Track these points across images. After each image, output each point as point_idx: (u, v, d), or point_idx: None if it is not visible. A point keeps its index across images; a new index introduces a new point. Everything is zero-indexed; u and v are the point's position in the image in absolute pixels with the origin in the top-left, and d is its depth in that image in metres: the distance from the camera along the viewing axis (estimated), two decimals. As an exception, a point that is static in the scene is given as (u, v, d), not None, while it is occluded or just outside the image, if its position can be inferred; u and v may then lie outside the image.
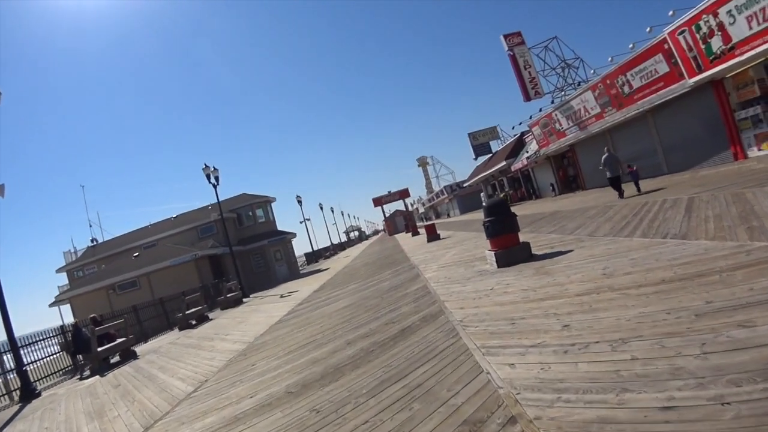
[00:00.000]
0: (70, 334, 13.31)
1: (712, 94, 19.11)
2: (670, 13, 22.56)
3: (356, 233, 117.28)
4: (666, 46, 20.69)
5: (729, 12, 16.30)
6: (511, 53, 32.47)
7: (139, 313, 18.37)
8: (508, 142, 50.12)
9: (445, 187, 78.97)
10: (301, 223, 54.18)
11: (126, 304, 22.38)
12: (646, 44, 22.09)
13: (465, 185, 65.17)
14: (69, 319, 29.11)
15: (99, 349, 12.42)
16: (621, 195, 16.38)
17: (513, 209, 10.32)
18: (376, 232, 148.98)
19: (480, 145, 56.96)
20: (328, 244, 67.14)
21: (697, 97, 19.92)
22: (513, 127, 41.59)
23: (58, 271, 37.31)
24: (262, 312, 15.20)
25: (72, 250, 40.29)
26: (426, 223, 46.32)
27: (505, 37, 32.52)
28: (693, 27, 18.26)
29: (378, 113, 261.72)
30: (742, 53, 16.46)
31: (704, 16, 17.40)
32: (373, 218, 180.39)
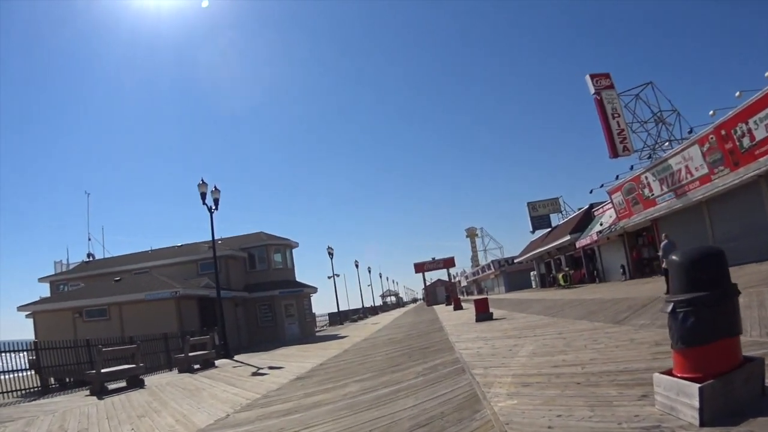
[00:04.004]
0: None
1: None
2: (737, 94, 18.28)
3: (393, 298, 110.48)
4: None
5: None
6: (598, 97, 26.72)
7: (43, 355, 13.80)
8: (573, 215, 43.99)
9: (492, 261, 72.47)
10: (329, 278, 48.02)
11: (91, 334, 17.92)
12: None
13: (516, 261, 58.70)
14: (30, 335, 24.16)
15: None
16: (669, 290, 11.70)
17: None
18: (414, 300, 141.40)
19: (539, 217, 50.86)
20: (360, 305, 60.89)
21: None
22: (591, 191, 35.66)
23: (41, 280, 32.67)
24: (192, 401, 9.00)
25: (64, 262, 35.98)
26: (477, 297, 40.00)
27: (592, 77, 27.04)
28: None
29: (430, 175, 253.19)
30: None
31: None
32: (413, 285, 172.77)
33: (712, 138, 20.21)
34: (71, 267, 35.09)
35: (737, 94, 19.45)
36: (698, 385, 3.45)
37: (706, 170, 20.96)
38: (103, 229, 59.43)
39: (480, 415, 4.74)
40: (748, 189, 18.94)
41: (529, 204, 51.34)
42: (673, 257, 3.97)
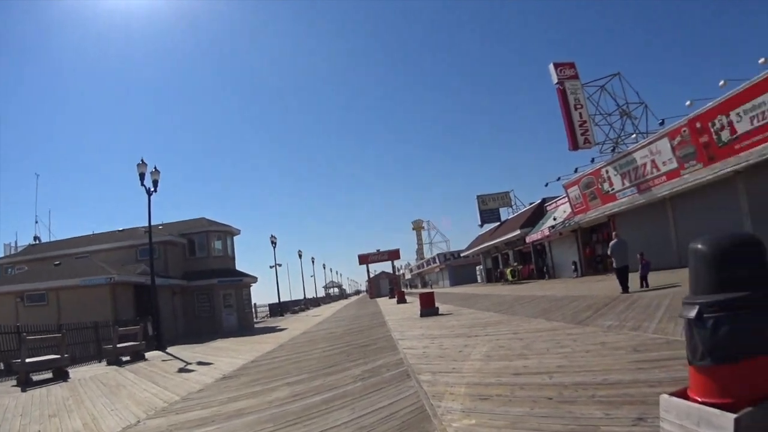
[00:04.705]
0: None
1: None
2: (761, 60, 17.13)
3: (336, 290, 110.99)
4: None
5: None
6: (561, 87, 26.28)
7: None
8: (524, 209, 44.25)
9: (438, 254, 72.88)
10: (271, 267, 46.71)
11: (31, 320, 17.55)
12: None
13: (462, 255, 59.04)
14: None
15: None
16: (625, 289, 13.74)
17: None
18: (357, 292, 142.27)
19: (488, 211, 51.09)
20: (302, 296, 60.16)
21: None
22: (546, 184, 35.79)
23: (-15, 263, 31.15)
24: (108, 401, 8.03)
25: (13, 245, 35.56)
26: (422, 290, 39.70)
27: (556, 66, 26.55)
28: None
29: (378, 166, 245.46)
30: None
31: None
32: (356, 277, 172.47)
33: (685, 131, 19.54)
34: (19, 250, 34.14)
35: (721, 83, 18.75)
36: (734, 415, 2.56)
37: (675, 165, 20.36)
38: (50, 212, 57.33)
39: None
40: (722, 185, 18.36)
41: (478, 197, 51.34)
42: (699, 246, 2.97)
